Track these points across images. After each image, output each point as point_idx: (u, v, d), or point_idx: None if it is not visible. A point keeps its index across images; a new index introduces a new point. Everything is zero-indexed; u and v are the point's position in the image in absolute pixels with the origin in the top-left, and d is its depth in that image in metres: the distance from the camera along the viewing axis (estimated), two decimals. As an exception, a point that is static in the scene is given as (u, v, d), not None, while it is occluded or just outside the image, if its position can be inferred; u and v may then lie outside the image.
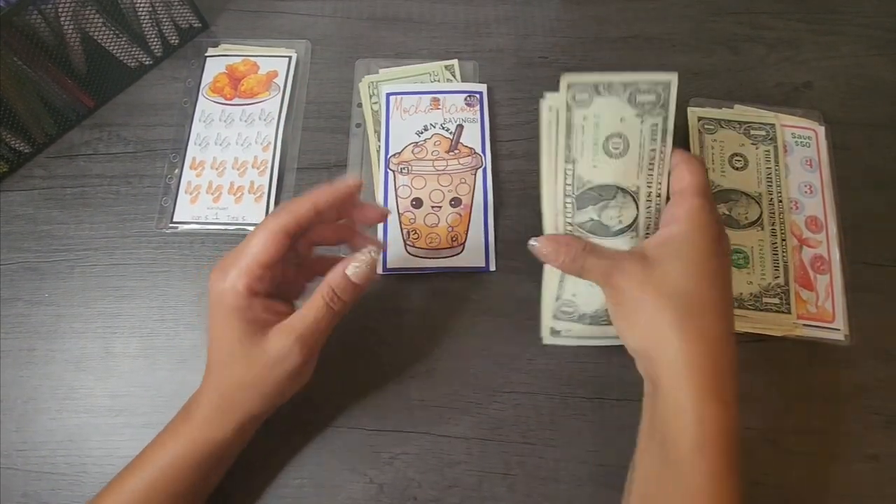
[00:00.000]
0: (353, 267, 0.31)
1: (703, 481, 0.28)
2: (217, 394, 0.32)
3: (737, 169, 0.46)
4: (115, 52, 0.48)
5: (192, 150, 0.48)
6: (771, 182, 0.45)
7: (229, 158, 0.47)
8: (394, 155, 0.47)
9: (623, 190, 0.34)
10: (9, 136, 0.45)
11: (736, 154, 0.46)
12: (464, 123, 0.48)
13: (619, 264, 0.31)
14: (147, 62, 0.50)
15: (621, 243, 0.35)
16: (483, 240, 0.45)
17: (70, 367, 0.42)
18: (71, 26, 0.44)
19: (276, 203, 0.46)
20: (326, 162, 0.48)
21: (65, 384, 0.41)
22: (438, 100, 0.49)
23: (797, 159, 0.46)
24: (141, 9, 0.47)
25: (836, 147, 0.47)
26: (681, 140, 0.47)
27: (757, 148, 0.46)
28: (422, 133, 0.48)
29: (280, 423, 0.40)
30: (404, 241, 0.44)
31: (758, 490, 0.38)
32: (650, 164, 0.34)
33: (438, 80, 0.50)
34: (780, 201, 0.44)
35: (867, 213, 0.45)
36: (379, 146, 0.47)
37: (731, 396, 0.29)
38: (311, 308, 0.31)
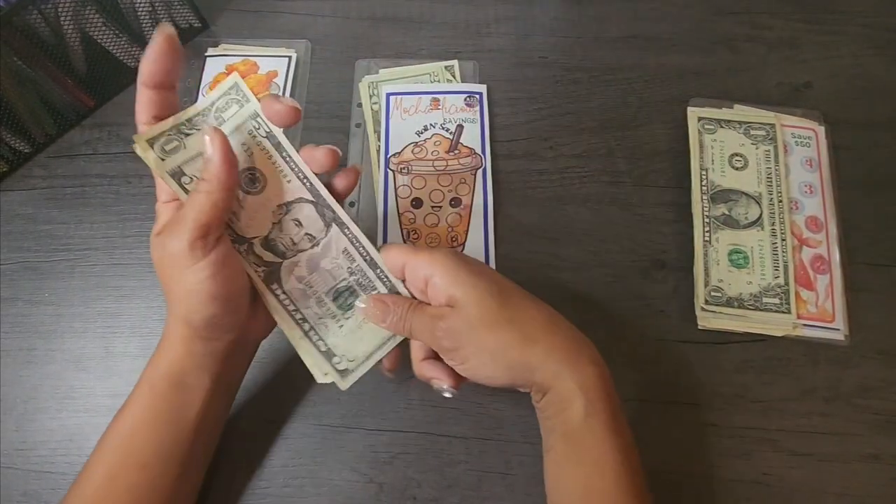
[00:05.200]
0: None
1: (599, 444, 0.30)
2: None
3: (737, 169, 0.46)
4: (115, 52, 0.48)
5: (192, 150, 0.48)
6: (771, 182, 0.45)
7: (229, 158, 0.47)
8: (394, 155, 0.47)
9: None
10: (9, 136, 0.45)
11: (736, 154, 0.46)
12: (464, 124, 0.48)
13: (438, 323, 0.31)
14: (147, 62, 0.50)
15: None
16: (483, 240, 0.45)
17: (70, 367, 0.42)
18: (71, 26, 0.44)
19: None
20: (326, 162, 0.48)
21: (65, 384, 0.41)
22: (438, 100, 0.49)
23: (797, 159, 0.46)
24: (141, 9, 0.47)
25: (836, 147, 0.47)
26: (681, 140, 0.47)
27: (757, 148, 0.46)
28: (422, 133, 0.48)
29: (280, 423, 0.40)
30: (404, 241, 0.44)
31: (758, 490, 0.38)
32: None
33: (438, 81, 0.50)
34: (780, 201, 0.44)
35: (867, 213, 0.45)
36: (379, 146, 0.47)
37: (595, 356, 0.32)
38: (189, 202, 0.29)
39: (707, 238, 0.44)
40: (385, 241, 0.44)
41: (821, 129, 0.47)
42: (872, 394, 0.40)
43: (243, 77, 0.50)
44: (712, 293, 0.42)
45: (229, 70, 0.50)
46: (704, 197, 0.45)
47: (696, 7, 0.54)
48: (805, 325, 0.42)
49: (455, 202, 0.46)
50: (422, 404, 0.40)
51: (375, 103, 0.49)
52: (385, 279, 0.33)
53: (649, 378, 0.41)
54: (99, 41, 0.47)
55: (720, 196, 0.45)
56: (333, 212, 0.33)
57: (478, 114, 0.48)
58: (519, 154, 0.48)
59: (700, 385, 0.41)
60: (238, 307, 0.31)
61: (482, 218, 0.45)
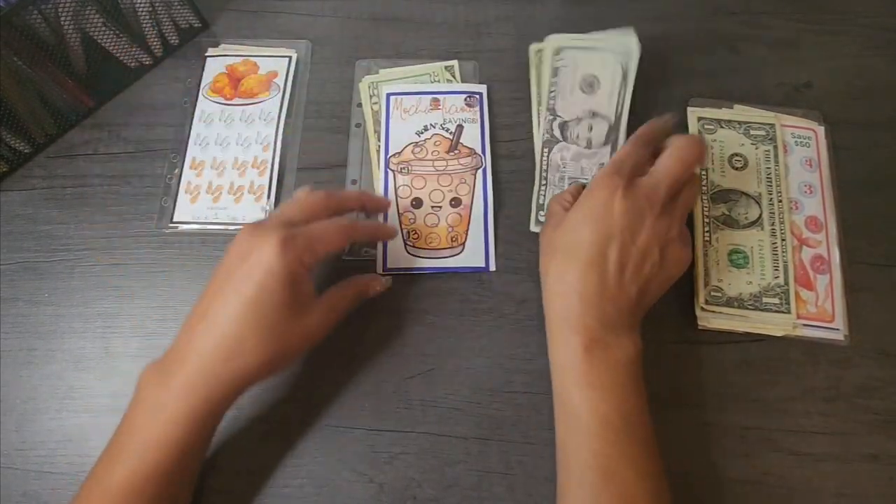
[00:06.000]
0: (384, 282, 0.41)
1: (575, 398, 0.34)
2: (209, 356, 0.32)
3: (737, 169, 0.46)
4: (115, 52, 0.48)
5: (192, 150, 0.48)
6: (771, 182, 0.45)
7: (229, 158, 0.47)
8: (394, 155, 0.47)
9: None
10: (9, 136, 0.45)
11: (736, 154, 0.46)
12: (464, 124, 0.48)
13: (549, 220, 0.39)
14: (147, 62, 0.50)
15: None
16: (483, 240, 0.45)
17: (70, 367, 0.42)
18: (71, 26, 0.44)
19: (277, 203, 0.46)
20: (326, 162, 0.48)
21: (65, 384, 0.41)
22: (438, 100, 0.49)
23: (797, 159, 0.46)
24: (141, 9, 0.47)
25: (836, 147, 0.47)
26: (681, 140, 0.47)
27: (757, 148, 0.46)
28: (422, 133, 0.48)
29: (280, 423, 0.40)
30: (404, 241, 0.44)
31: (758, 490, 0.38)
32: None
33: (438, 81, 0.50)
34: (780, 201, 0.45)
35: (867, 213, 0.45)
36: (379, 146, 0.47)
37: (593, 326, 0.34)
38: (345, 288, 0.38)
39: (707, 238, 0.44)
40: (384, 240, 0.44)
41: (821, 129, 0.47)
42: (872, 394, 0.40)
43: (243, 77, 0.50)
44: (712, 293, 0.42)
45: (229, 70, 0.51)
46: (704, 197, 0.45)
47: (696, 7, 0.54)
48: (805, 325, 0.42)
49: (455, 202, 0.46)
50: (422, 404, 0.40)
51: (375, 103, 0.49)
52: None
53: (649, 378, 0.41)
54: (99, 41, 0.47)
55: (720, 196, 0.45)
56: (618, 139, 0.45)
57: (478, 114, 0.48)
58: (519, 154, 0.48)
59: (700, 385, 0.41)
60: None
61: (482, 218, 0.45)
